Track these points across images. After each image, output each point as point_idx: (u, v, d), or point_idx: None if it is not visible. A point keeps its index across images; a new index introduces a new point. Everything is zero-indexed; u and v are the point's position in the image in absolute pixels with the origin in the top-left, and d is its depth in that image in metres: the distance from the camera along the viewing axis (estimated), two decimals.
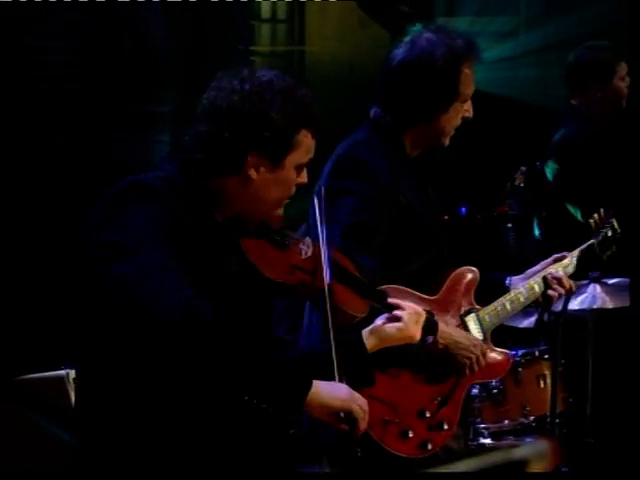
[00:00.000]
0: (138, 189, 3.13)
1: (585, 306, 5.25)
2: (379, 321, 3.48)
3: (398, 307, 3.50)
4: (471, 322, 4.32)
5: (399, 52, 4.23)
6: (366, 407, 3.27)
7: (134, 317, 2.96)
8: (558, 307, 4.75)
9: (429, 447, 4.02)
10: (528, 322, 5.31)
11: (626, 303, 5.31)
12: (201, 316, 2.90)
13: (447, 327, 4.15)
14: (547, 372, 5.08)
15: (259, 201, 3.29)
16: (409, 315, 3.50)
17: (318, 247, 3.36)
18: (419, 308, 3.57)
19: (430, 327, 3.72)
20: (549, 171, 5.98)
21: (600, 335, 5.41)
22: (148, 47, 7.59)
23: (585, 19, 7.87)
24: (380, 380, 3.73)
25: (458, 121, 4.27)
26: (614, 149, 6.11)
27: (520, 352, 5.11)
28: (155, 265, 2.93)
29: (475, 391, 5.12)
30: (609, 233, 4.86)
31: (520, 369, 5.09)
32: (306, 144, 3.30)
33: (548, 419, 4.72)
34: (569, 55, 6.38)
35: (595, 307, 5.30)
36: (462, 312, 4.33)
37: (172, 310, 2.88)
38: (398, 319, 3.48)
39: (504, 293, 4.45)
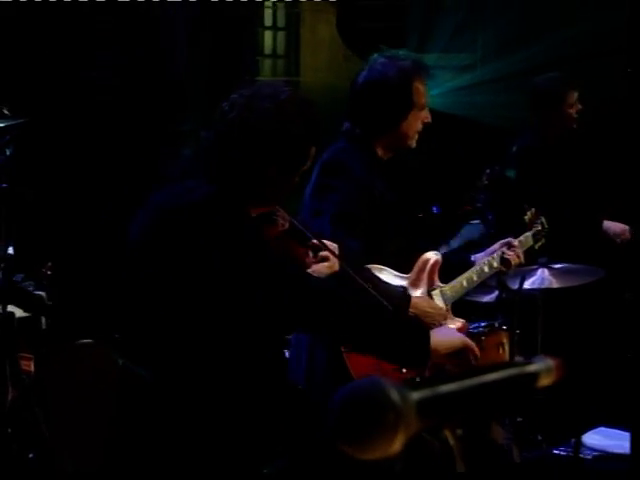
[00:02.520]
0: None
1: (536, 286, 5.24)
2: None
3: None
4: (436, 296, 4.31)
5: (361, 76, 4.28)
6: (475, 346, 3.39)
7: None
8: (515, 286, 4.78)
9: None
10: (489, 298, 5.29)
11: (569, 284, 5.29)
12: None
13: (417, 298, 4.14)
14: (505, 340, 5.02)
15: (271, 202, 3.25)
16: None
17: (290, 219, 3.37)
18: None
19: (405, 298, 3.89)
20: (509, 175, 5.97)
21: (548, 310, 5.38)
22: (174, 77, 7.55)
23: (530, 56, 7.83)
24: (362, 361, 3.75)
25: (419, 126, 4.30)
26: (564, 159, 6.06)
27: (483, 324, 5.05)
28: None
29: None
30: (539, 228, 4.99)
31: (483, 337, 5.02)
32: (312, 156, 3.28)
33: None
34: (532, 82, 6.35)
35: (543, 287, 5.26)
36: (428, 288, 4.31)
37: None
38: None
39: (471, 267, 4.49)
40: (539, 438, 5.23)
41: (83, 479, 4.85)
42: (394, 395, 1.02)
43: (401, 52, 4.39)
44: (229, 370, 3.08)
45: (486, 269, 4.53)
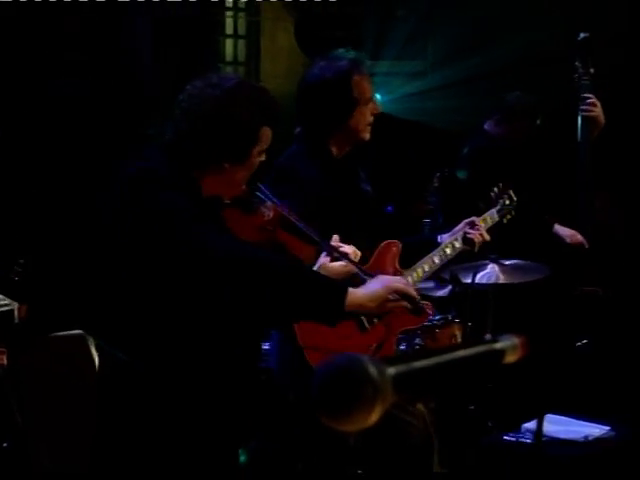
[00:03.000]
0: (149, 178, 3.14)
1: (485, 281, 5.24)
2: (325, 259, 3.49)
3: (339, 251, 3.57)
4: None
5: (302, 81, 4.28)
6: (405, 281, 3.30)
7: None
8: (467, 281, 4.78)
9: None
10: (443, 292, 5.31)
11: (517, 280, 5.32)
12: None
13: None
14: (458, 332, 5.06)
15: (231, 183, 3.27)
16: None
17: (276, 208, 3.40)
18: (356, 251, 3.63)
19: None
20: (460, 176, 6.00)
21: (497, 303, 5.40)
22: (142, 83, 7.56)
23: (477, 63, 7.88)
24: (321, 331, 3.71)
25: (369, 119, 4.27)
26: (514, 161, 6.09)
27: (437, 317, 5.08)
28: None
29: (402, 347, 5.06)
30: (507, 202, 4.88)
31: (437, 330, 5.05)
32: (266, 136, 3.28)
33: None
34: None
35: (493, 282, 5.28)
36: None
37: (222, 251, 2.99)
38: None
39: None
40: (490, 425, 5.26)
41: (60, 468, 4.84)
42: (372, 370, 1.04)
43: (339, 51, 4.32)
44: (190, 351, 3.13)
45: (448, 251, 4.48)
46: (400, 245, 4.35)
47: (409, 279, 4.29)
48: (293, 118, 8.37)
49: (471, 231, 4.52)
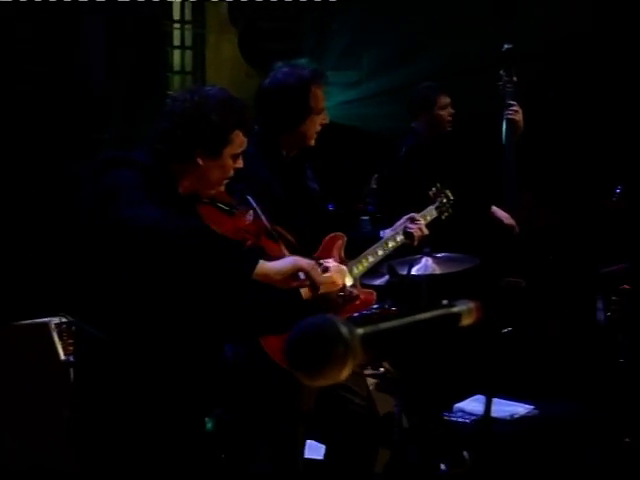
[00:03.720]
0: (115, 159, 3.20)
1: (420, 272, 5.27)
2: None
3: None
4: None
5: (265, 82, 4.28)
6: (314, 264, 3.31)
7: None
8: (403, 272, 4.82)
9: None
10: (380, 282, 5.32)
11: (448, 270, 5.36)
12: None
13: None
14: None
15: (205, 181, 3.31)
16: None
17: (258, 217, 3.48)
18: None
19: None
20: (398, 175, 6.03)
21: (430, 292, 5.43)
22: (95, 90, 7.52)
23: (408, 73, 7.92)
24: (274, 342, 3.83)
25: (317, 127, 4.29)
26: (442, 157, 6.12)
27: (375, 305, 5.10)
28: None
29: None
30: (444, 200, 4.99)
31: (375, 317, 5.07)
32: (239, 140, 3.34)
33: None
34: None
35: (427, 273, 5.31)
36: None
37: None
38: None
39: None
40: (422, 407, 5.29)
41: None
42: (344, 330, 1.06)
43: (302, 61, 4.37)
44: (154, 325, 3.17)
45: (391, 244, 4.54)
46: (345, 238, 4.39)
47: (354, 269, 4.36)
48: None
49: (411, 226, 4.59)
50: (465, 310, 1.28)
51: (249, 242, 3.34)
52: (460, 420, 4.97)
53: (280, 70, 4.29)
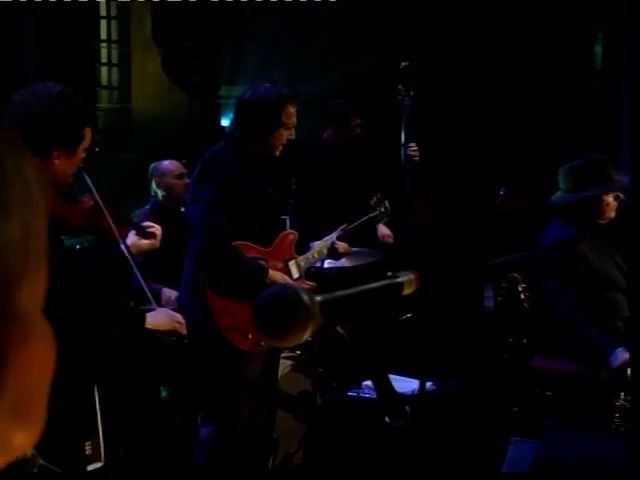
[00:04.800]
0: None
1: (332, 265, 5.32)
2: (134, 238, 3.53)
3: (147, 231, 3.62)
4: (292, 266, 4.55)
5: (246, 94, 4.43)
6: (182, 320, 3.36)
7: None
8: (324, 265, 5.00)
9: (262, 343, 4.19)
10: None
11: (356, 263, 5.41)
12: None
13: (273, 271, 4.35)
14: None
15: (61, 176, 3.21)
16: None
17: (94, 197, 3.42)
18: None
19: (263, 270, 4.18)
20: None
21: (340, 282, 5.46)
22: None
23: (316, 87, 7.94)
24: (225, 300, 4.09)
25: (283, 141, 4.42)
26: (348, 165, 6.17)
27: None
28: None
29: None
30: (382, 209, 5.16)
31: None
32: (89, 136, 3.27)
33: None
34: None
35: (337, 266, 5.37)
36: (286, 259, 4.54)
37: None
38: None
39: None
40: (334, 384, 5.32)
41: None
42: (305, 297, 1.09)
43: (281, 82, 4.56)
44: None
45: (325, 250, 4.76)
46: (296, 235, 4.59)
47: (301, 263, 4.61)
48: (159, 133, 8.33)
49: (340, 243, 4.83)
50: (407, 280, 1.33)
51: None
52: (367, 396, 5.01)
53: (263, 85, 4.42)
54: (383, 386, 1.35)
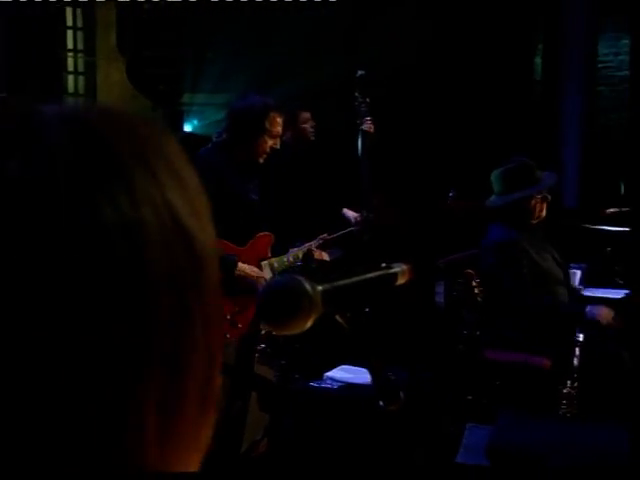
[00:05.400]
0: None
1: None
2: None
3: None
4: (264, 266, 4.57)
5: (237, 102, 4.57)
6: None
7: None
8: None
9: (227, 336, 4.26)
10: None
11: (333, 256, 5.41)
12: None
13: (242, 264, 4.37)
14: None
15: None
16: None
17: None
18: None
19: (233, 262, 4.12)
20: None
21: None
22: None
23: (274, 95, 7.90)
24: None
25: (267, 148, 4.50)
26: (309, 167, 6.15)
27: None
28: None
29: None
30: (365, 225, 5.39)
31: None
32: None
33: None
34: None
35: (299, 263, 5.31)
36: (259, 259, 4.55)
37: None
38: None
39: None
40: (297, 376, 5.30)
41: None
42: (307, 286, 1.06)
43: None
44: None
45: (300, 255, 4.78)
46: (272, 237, 4.62)
47: (275, 264, 4.63)
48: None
49: (317, 251, 4.88)
50: (400, 271, 1.31)
51: None
52: (328, 387, 5.00)
53: (253, 96, 4.56)
54: (378, 372, 1.32)
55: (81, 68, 8.75)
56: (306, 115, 6.21)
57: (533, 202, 4.96)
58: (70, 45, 8.69)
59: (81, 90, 8.74)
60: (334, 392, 4.94)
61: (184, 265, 0.67)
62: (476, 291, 4.44)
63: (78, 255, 0.61)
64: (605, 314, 4.66)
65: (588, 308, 4.70)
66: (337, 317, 1.13)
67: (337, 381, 5.01)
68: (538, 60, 9.07)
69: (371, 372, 1.34)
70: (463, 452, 4.07)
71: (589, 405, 4.44)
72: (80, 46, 8.73)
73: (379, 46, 7.74)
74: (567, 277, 5.15)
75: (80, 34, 8.69)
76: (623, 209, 5.02)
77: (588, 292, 5.42)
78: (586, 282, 5.94)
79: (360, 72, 5.97)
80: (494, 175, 5.02)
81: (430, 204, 6.81)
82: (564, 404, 4.42)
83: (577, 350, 4.36)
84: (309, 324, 1.06)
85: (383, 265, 1.28)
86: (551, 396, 4.45)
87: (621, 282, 6.00)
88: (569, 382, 4.43)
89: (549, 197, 5.00)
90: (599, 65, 8.73)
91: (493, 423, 3.96)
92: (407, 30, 8.00)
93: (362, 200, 5.92)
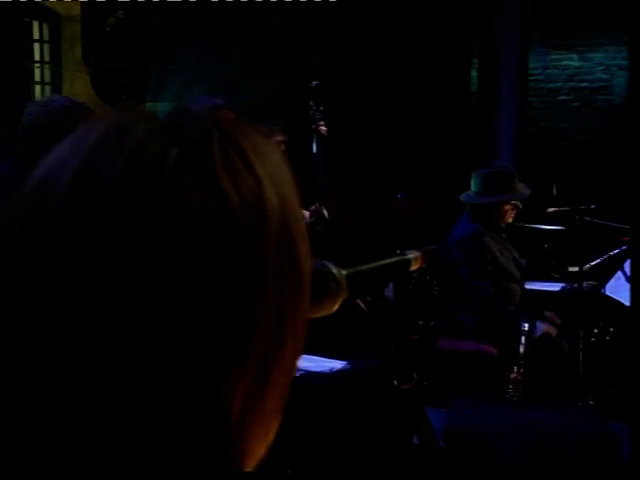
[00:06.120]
0: None
1: None
2: None
3: None
4: None
5: (189, 104, 4.39)
6: None
7: None
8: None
9: None
10: None
11: None
12: None
13: None
14: None
15: None
16: None
17: None
18: None
19: None
20: None
21: None
22: None
23: (234, 104, 7.85)
24: None
25: None
26: None
27: None
28: None
29: None
30: (319, 217, 5.29)
31: None
32: None
33: None
34: None
35: None
36: None
37: None
38: None
39: None
40: None
41: None
42: (335, 271, 1.04)
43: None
44: None
45: None
46: None
47: None
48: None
49: None
50: (414, 258, 1.29)
51: None
52: (298, 374, 4.97)
53: (205, 97, 4.46)
54: (392, 353, 1.30)
55: (48, 79, 8.62)
56: (279, 137, 6.19)
57: (507, 207, 5.04)
58: (37, 57, 8.56)
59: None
60: (295, 381, 4.91)
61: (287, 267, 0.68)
62: (431, 284, 4.45)
63: (207, 239, 0.61)
64: (551, 329, 4.78)
65: (537, 324, 4.76)
66: (358, 301, 1.11)
67: (298, 369, 4.98)
68: (474, 73, 9.18)
69: (386, 354, 1.32)
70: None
71: (534, 389, 4.48)
72: (47, 58, 8.60)
73: (330, 59, 7.75)
74: (523, 276, 5.23)
75: (47, 47, 8.57)
76: (563, 209, 5.08)
77: (528, 285, 5.47)
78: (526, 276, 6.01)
79: (315, 82, 5.98)
80: (477, 174, 5.07)
81: (381, 205, 6.82)
82: (511, 388, 4.45)
83: (523, 338, 4.39)
84: (336, 307, 1.04)
85: (398, 252, 1.27)
86: (499, 381, 4.48)
87: (557, 276, 6.07)
88: (515, 368, 4.46)
89: (520, 206, 5.08)
90: (530, 78, 8.85)
91: (447, 407, 3.97)
92: (354, 45, 8.03)
93: (317, 199, 5.91)
